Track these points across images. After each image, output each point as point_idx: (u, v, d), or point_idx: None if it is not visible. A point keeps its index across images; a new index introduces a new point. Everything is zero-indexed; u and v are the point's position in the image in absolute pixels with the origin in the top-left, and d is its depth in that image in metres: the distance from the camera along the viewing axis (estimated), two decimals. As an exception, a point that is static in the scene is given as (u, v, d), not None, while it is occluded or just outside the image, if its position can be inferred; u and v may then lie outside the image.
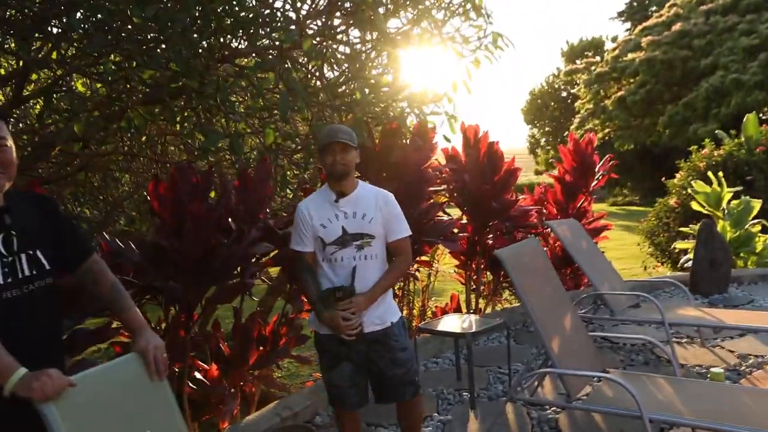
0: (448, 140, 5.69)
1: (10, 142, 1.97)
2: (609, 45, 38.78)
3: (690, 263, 6.87)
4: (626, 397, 3.01)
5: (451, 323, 4.24)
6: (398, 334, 2.92)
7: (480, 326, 4.10)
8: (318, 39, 4.68)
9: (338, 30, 5.14)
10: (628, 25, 38.31)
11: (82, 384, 1.91)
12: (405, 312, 6.30)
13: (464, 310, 6.05)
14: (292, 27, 4.47)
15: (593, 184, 6.60)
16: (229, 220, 3.98)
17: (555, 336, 3.47)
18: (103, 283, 2.17)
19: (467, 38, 5.48)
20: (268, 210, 4.26)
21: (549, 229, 5.85)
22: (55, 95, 5.49)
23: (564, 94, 45.31)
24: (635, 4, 38.89)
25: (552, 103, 45.75)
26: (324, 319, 2.79)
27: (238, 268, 3.82)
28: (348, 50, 4.97)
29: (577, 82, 38.66)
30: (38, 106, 7.16)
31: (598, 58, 36.60)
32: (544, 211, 6.39)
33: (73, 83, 6.51)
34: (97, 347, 5.81)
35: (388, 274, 2.91)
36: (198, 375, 3.93)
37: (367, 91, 4.81)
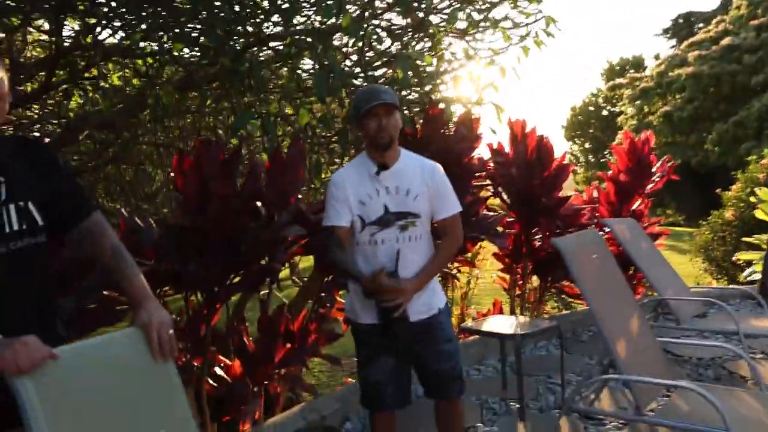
0: (494, 132, 5.32)
1: (1, 73, 1.65)
2: (650, 63, 38.13)
3: (756, 275, 6.34)
4: (705, 412, 2.57)
5: (498, 324, 3.84)
6: (444, 321, 2.57)
7: (531, 328, 3.68)
8: (357, 14, 4.36)
9: (378, 11, 4.83)
10: (672, 42, 37.59)
11: (68, 358, 1.57)
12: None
13: (508, 316, 5.63)
14: (330, 1, 4.16)
15: (650, 186, 6.13)
16: (258, 204, 3.66)
17: (621, 339, 3.05)
18: (103, 245, 1.82)
19: (517, 23, 5.12)
20: (299, 196, 3.93)
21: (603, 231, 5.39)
22: (87, 83, 5.26)
23: (605, 112, 44.48)
24: (681, 20, 38.14)
25: (593, 121, 44.89)
26: (367, 288, 2.42)
27: (266, 256, 3.49)
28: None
29: (619, 98, 37.96)
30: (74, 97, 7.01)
31: (642, 74, 35.79)
32: (597, 213, 5.94)
33: (108, 76, 6.32)
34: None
35: (436, 257, 2.55)
36: (219, 371, 3.59)
37: (410, 73, 4.47)
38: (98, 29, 4.65)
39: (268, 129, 4.04)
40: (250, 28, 4.71)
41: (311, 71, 4.65)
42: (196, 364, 3.40)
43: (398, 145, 2.58)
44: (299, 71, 4.56)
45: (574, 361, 4.62)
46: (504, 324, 3.83)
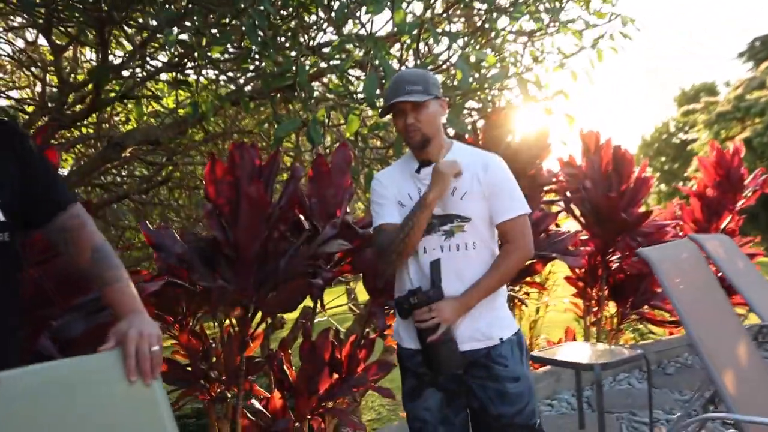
0: (564, 144, 4.84)
1: None
2: (723, 90, 36.70)
3: None
4: None
5: (573, 352, 3.32)
6: (509, 357, 2.05)
7: (613, 357, 3.16)
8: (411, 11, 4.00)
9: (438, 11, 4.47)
10: (748, 65, 36.03)
11: (19, 383, 1.22)
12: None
13: (582, 347, 5.06)
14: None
15: (741, 203, 5.49)
16: (301, 217, 3.30)
17: (728, 370, 2.50)
18: (81, 245, 1.47)
19: (590, 24, 4.66)
20: (347, 209, 3.55)
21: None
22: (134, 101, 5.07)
23: (677, 140, 42.87)
24: (758, 43, 36.57)
25: (666, 150, 43.29)
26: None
27: (308, 273, 3.11)
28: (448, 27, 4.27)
29: (693, 125, 36.54)
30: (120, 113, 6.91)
31: (717, 98, 34.36)
32: (680, 233, 5.33)
33: (162, 98, 6.18)
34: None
35: (492, 270, 2.07)
36: (256, 403, 3.21)
37: (474, 75, 4.06)
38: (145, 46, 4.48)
39: (314, 137, 3.68)
40: (301, 39, 4.44)
41: (363, 77, 4.31)
42: (229, 395, 3.03)
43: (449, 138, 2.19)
44: (350, 75, 4.21)
45: (661, 397, 4.03)
46: (580, 352, 3.31)
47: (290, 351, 3.44)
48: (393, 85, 2.08)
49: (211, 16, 3.82)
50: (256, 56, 3.92)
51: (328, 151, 4.83)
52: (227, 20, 3.92)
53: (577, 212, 4.77)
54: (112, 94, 5.07)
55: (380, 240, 2.08)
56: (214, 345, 3.32)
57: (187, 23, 3.90)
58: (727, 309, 2.94)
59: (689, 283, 2.78)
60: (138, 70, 5.24)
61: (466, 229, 2.07)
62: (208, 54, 3.79)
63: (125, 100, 5.82)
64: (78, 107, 5.39)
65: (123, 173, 6.97)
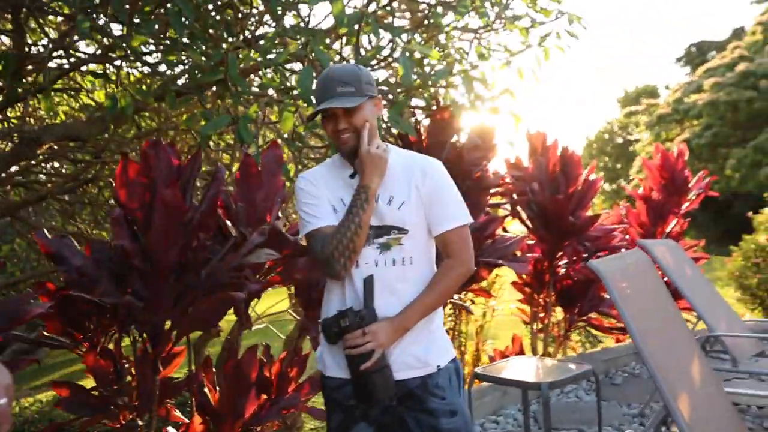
0: (511, 144, 4.67)
1: None
2: (663, 92, 37.71)
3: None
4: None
5: (519, 369, 3.13)
6: (447, 387, 1.82)
7: (560, 374, 2.97)
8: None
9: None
10: (686, 70, 37.03)
11: None
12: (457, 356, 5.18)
13: (529, 355, 4.91)
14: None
15: (686, 205, 5.42)
16: (228, 223, 3.02)
17: (680, 387, 2.35)
18: None
19: (537, 21, 4.49)
20: (279, 213, 3.28)
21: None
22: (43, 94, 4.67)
23: (620, 140, 43.78)
24: (694, 49, 37.60)
25: (608, 149, 44.16)
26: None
27: (231, 284, 2.83)
28: (390, 20, 4.04)
29: (635, 126, 37.44)
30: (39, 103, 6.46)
31: (658, 101, 35.21)
32: (626, 236, 5.23)
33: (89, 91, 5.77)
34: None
35: (431, 287, 1.83)
36: (173, 431, 2.90)
37: (415, 71, 3.83)
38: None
39: (244, 136, 3.39)
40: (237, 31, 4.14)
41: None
42: (141, 422, 2.73)
43: (383, 141, 1.95)
44: (286, 70, 3.93)
45: (610, 410, 3.90)
46: (526, 368, 3.12)
47: (213, 370, 3.14)
48: (322, 85, 1.83)
49: (129, 4, 3.49)
50: (184, 48, 3.61)
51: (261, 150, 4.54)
52: (151, 9, 3.61)
53: (524, 215, 4.60)
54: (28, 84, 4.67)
55: (319, 246, 1.80)
56: (128, 365, 3.00)
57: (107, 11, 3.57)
58: (677, 320, 2.79)
59: (639, 296, 2.62)
60: (63, 60, 4.86)
61: (403, 241, 1.83)
62: (126, 45, 3.45)
63: (41, 93, 5.41)
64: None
65: (48, 171, 6.51)
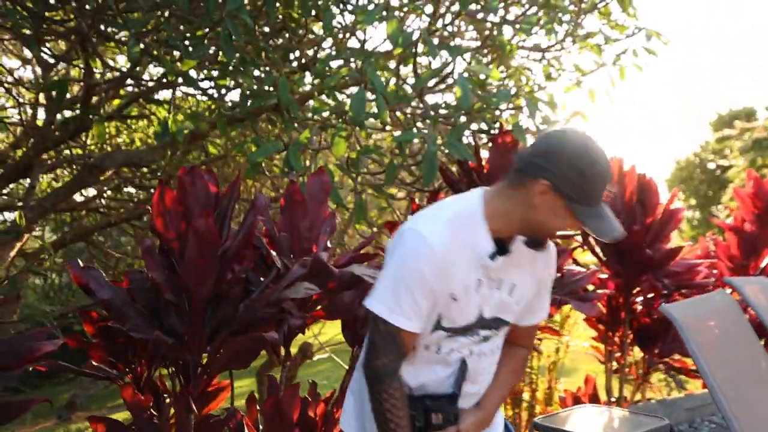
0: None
1: None
2: (762, 114, 35.74)
3: None
4: None
5: (584, 421, 2.81)
6: None
7: (632, 428, 2.65)
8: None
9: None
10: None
11: None
12: (527, 395, 4.86)
13: (603, 397, 4.52)
14: (373, 4, 3.42)
15: (782, 239, 4.91)
16: (274, 254, 2.87)
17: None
18: None
19: (612, 38, 4.20)
20: (328, 242, 3.11)
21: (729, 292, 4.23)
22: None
23: (712, 165, 41.79)
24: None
25: (699, 174, 42.20)
26: None
27: (271, 319, 2.68)
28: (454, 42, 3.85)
29: (729, 151, 35.64)
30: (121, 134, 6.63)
31: (755, 124, 33.40)
32: (714, 270, 4.78)
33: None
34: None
35: (511, 375, 1.66)
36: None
37: (479, 93, 3.62)
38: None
39: (293, 162, 3.27)
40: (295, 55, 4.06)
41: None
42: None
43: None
44: (341, 94, 3.81)
45: (692, 467, 3.49)
46: (592, 421, 2.81)
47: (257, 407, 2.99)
48: (603, 180, 1.42)
49: (182, 26, 3.46)
50: (235, 73, 3.55)
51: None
52: (204, 33, 3.56)
53: (596, 247, 4.27)
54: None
55: (391, 362, 1.49)
56: (170, 400, 2.89)
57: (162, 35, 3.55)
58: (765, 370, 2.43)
59: (720, 340, 2.29)
60: (131, 88, 4.94)
61: (500, 333, 1.61)
62: (177, 68, 3.41)
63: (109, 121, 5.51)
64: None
65: (118, 197, 6.65)
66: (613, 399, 4.54)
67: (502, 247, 1.47)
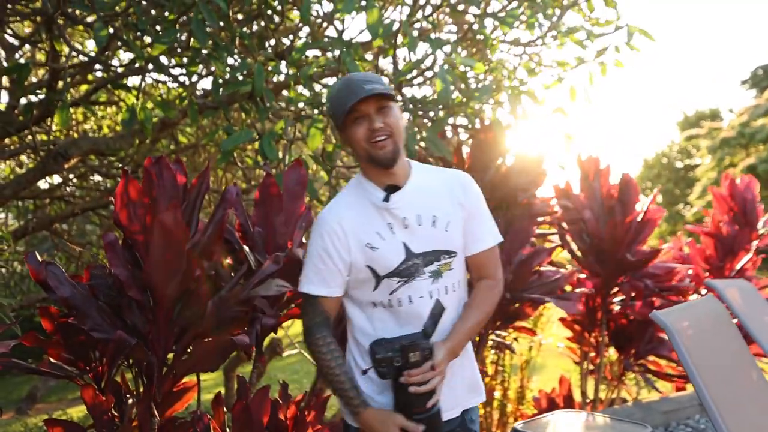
0: (562, 168, 4.29)
1: None
2: (726, 115, 36.44)
3: None
4: None
5: (565, 427, 2.74)
6: (476, 419, 1.84)
7: (612, 435, 2.58)
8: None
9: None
10: (753, 92, 35.60)
11: None
12: (499, 394, 4.81)
13: (577, 398, 4.47)
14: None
15: (757, 242, 4.91)
16: (246, 249, 2.74)
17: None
18: None
19: (594, 33, 4.12)
20: (303, 238, 2.99)
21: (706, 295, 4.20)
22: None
23: (680, 164, 42.36)
24: (761, 71, 36.19)
25: (665, 172, 42.74)
26: (369, 421, 1.65)
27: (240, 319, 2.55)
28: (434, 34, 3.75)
29: (696, 150, 36.20)
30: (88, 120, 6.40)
31: (721, 124, 33.96)
32: (689, 272, 4.75)
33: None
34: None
35: (477, 308, 1.74)
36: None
37: (460, 87, 3.53)
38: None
39: (267, 152, 3.14)
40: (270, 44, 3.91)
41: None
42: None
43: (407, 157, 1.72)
44: (316, 84, 3.68)
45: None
46: (573, 428, 2.74)
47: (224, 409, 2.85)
48: (346, 88, 1.63)
49: (153, 11, 3.29)
50: (206, 59, 3.39)
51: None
52: (176, 18, 3.39)
53: (574, 247, 4.20)
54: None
55: (312, 321, 1.76)
56: (131, 401, 2.74)
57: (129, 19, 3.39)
58: (758, 376, 2.37)
59: (711, 347, 2.23)
60: (99, 73, 4.74)
61: (453, 266, 1.71)
62: (147, 53, 3.24)
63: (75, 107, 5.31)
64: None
65: (84, 185, 6.43)
66: (588, 401, 4.50)
67: (395, 188, 1.69)
